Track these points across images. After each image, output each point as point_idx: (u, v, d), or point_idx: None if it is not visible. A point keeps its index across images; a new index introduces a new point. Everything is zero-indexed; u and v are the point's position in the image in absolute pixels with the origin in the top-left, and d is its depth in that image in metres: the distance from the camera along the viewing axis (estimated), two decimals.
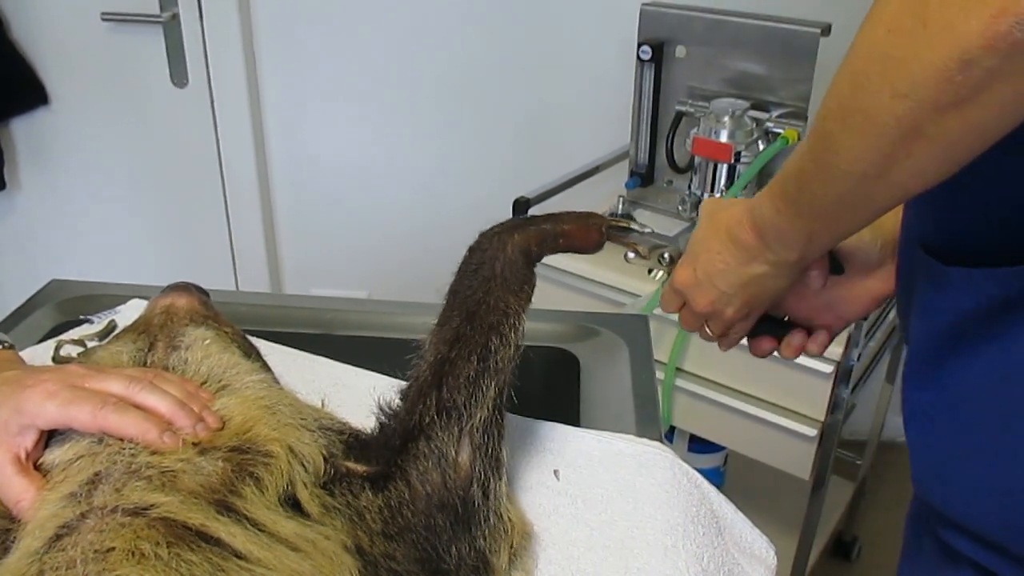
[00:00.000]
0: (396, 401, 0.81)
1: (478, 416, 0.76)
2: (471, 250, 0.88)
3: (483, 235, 0.88)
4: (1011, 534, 0.74)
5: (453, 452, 0.74)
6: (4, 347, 0.88)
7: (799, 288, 0.90)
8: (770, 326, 0.95)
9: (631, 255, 1.01)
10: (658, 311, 1.63)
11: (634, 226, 0.98)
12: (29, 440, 0.70)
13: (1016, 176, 0.68)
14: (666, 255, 0.99)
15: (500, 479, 0.77)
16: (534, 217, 0.92)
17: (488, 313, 0.81)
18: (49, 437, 0.71)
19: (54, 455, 0.70)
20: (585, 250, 0.94)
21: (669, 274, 0.97)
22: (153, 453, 0.67)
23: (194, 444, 0.68)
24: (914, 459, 0.82)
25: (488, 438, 0.76)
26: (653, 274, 1.04)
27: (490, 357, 0.78)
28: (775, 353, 0.99)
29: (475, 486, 0.74)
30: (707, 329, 0.95)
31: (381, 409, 0.81)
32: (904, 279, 0.85)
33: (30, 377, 0.72)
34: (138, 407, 0.70)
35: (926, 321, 0.79)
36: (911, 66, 0.58)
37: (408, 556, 0.71)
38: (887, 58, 0.60)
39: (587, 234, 0.93)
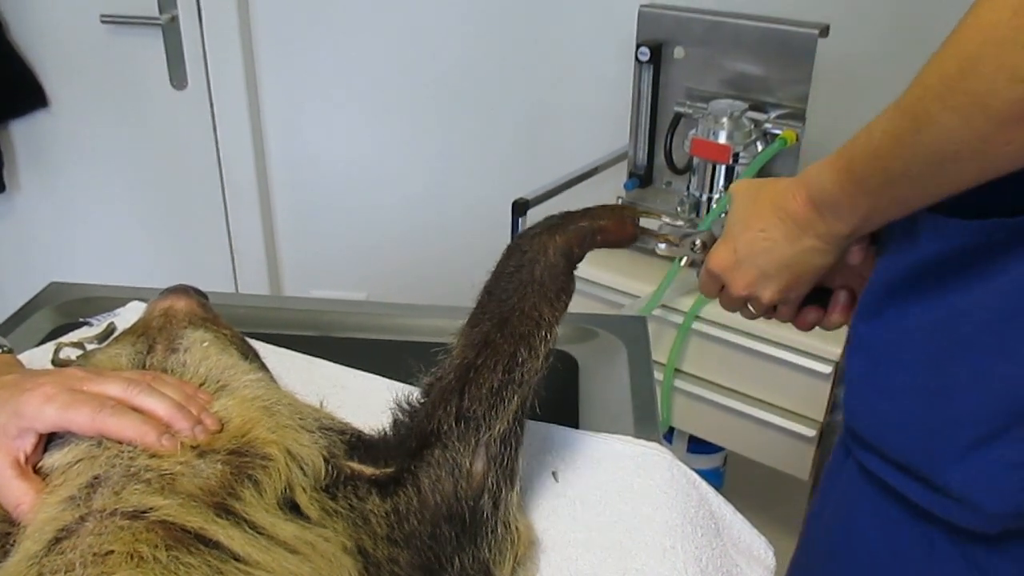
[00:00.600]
0: (417, 398, 0.80)
1: (497, 428, 0.74)
2: (510, 250, 0.86)
3: (523, 235, 0.86)
4: (926, 461, 0.78)
5: (468, 462, 0.73)
6: (3, 351, 0.88)
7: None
8: (812, 295, 0.92)
9: (662, 246, 0.98)
10: (657, 312, 1.64)
11: (665, 217, 0.97)
12: (28, 444, 0.70)
13: None
14: (698, 241, 0.96)
15: (512, 489, 0.76)
16: (570, 214, 0.90)
17: (520, 322, 0.79)
18: (48, 441, 0.71)
19: (53, 458, 0.70)
20: (620, 244, 0.93)
21: (702, 261, 0.95)
22: (152, 456, 0.67)
23: (193, 447, 0.68)
24: (849, 388, 0.85)
25: (505, 448, 0.75)
26: (681, 261, 1.01)
27: (516, 369, 0.76)
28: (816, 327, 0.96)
29: (486, 497, 0.73)
30: (750, 308, 0.93)
31: (399, 406, 0.80)
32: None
33: (29, 381, 0.72)
34: (136, 410, 0.71)
35: (890, 259, 0.80)
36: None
37: (411, 563, 0.71)
38: (1010, 42, 0.59)
39: (622, 228, 0.91)
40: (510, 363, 0.76)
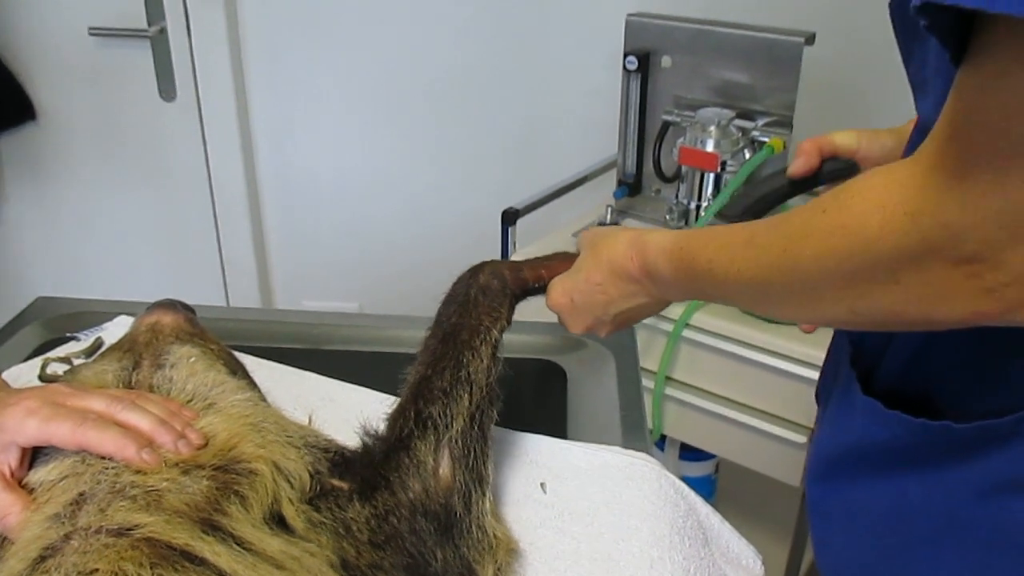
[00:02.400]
0: (381, 426, 0.83)
1: (455, 427, 0.78)
2: (451, 287, 0.92)
3: (458, 277, 0.93)
4: None
5: (432, 461, 0.76)
6: None
7: None
8: None
9: None
10: (648, 320, 1.64)
11: None
12: (12, 457, 0.70)
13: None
14: None
15: (483, 495, 0.78)
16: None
17: (461, 331, 0.84)
18: (33, 457, 0.71)
19: (38, 475, 0.70)
20: None
21: None
22: (137, 472, 0.67)
23: (178, 464, 0.68)
24: (814, 544, 0.85)
25: (468, 451, 0.78)
26: None
27: (462, 369, 0.81)
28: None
29: (456, 497, 0.76)
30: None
31: (366, 431, 0.82)
32: (832, 360, 0.86)
33: (12, 396, 0.73)
34: (119, 425, 0.70)
35: (835, 432, 0.80)
36: (885, 299, 0.59)
37: (396, 564, 0.71)
38: (852, 280, 0.61)
39: (569, 263, 0.94)
40: (455, 365, 0.82)
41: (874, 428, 0.74)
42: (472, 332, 0.84)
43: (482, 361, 0.82)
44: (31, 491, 0.69)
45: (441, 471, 0.76)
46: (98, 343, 1.11)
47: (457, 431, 0.78)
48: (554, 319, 0.96)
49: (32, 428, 0.69)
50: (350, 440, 0.83)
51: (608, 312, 0.88)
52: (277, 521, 0.68)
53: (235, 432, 0.72)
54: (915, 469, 0.72)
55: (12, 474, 0.70)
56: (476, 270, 0.91)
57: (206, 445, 0.71)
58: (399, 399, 0.83)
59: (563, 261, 0.95)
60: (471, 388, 0.81)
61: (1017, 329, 0.59)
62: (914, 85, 0.70)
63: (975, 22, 0.50)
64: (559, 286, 0.92)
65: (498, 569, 0.77)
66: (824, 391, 0.87)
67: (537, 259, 0.96)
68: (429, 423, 0.78)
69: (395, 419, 0.80)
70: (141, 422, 0.71)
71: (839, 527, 0.81)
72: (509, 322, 0.90)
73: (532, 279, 0.93)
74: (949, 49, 0.53)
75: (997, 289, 0.53)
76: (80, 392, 0.73)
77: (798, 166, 0.94)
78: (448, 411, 0.78)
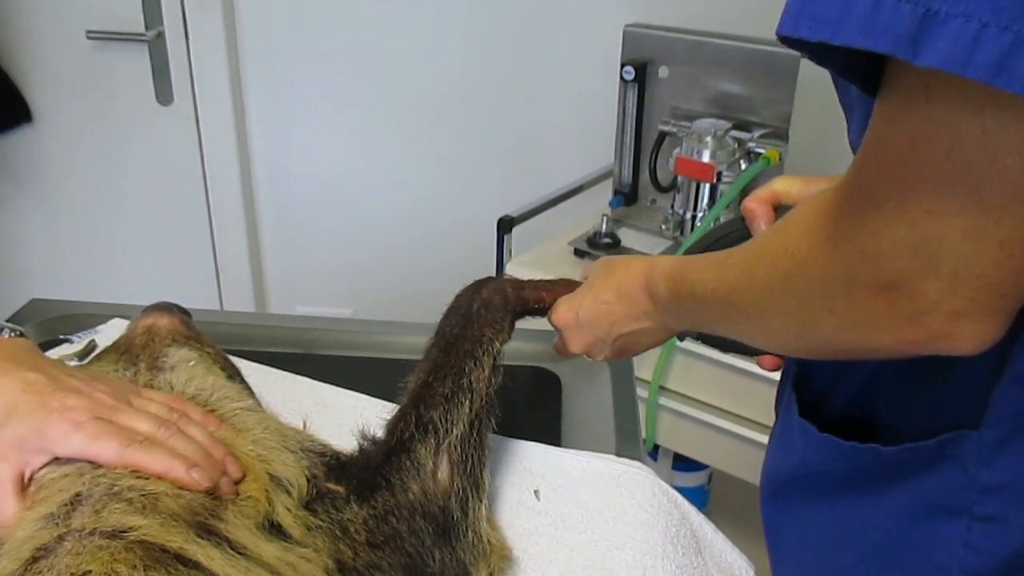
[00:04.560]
0: (379, 432, 0.83)
1: (455, 432, 0.79)
2: (454, 300, 0.93)
3: (461, 290, 0.94)
4: None
5: (431, 464, 0.77)
6: (16, 335, 0.84)
7: None
8: None
9: None
10: None
11: None
12: (40, 462, 0.68)
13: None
14: None
15: (480, 501, 0.79)
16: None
17: (463, 342, 0.86)
18: None
19: (42, 472, 0.69)
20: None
21: None
22: (138, 476, 0.67)
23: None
24: (771, 564, 0.85)
25: (466, 457, 0.79)
26: None
27: (464, 377, 0.83)
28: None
29: (454, 501, 0.77)
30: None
31: (363, 436, 0.82)
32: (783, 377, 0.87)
33: (56, 396, 0.70)
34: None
35: (781, 452, 0.80)
36: (820, 330, 0.61)
37: (394, 563, 0.72)
38: (792, 312, 0.63)
39: (569, 289, 0.95)
40: (457, 373, 0.83)
41: (809, 450, 0.74)
42: (474, 343, 0.86)
43: (483, 371, 0.84)
44: (32, 484, 0.68)
45: (440, 475, 0.77)
46: (92, 345, 1.11)
47: (457, 437, 0.79)
48: (549, 327, 0.96)
49: (77, 444, 0.68)
50: (343, 445, 0.83)
51: (611, 333, 0.88)
52: (273, 527, 0.68)
53: (234, 443, 0.72)
54: (852, 492, 0.73)
55: (31, 475, 0.68)
56: (479, 285, 0.93)
57: (244, 477, 0.71)
58: (399, 405, 0.84)
59: (565, 287, 0.96)
60: (472, 396, 0.82)
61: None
62: (844, 109, 0.71)
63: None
64: (566, 302, 0.93)
65: (491, 574, 0.77)
66: (778, 405, 0.88)
67: (540, 281, 0.97)
68: (430, 427, 0.79)
69: (395, 423, 0.81)
70: (186, 450, 0.70)
71: (789, 548, 0.82)
72: (509, 336, 0.91)
73: (533, 299, 0.95)
74: (855, 82, 0.53)
75: (917, 318, 0.54)
76: (126, 408, 0.72)
77: (760, 227, 0.94)
78: (449, 416, 0.79)
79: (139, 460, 0.68)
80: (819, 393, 0.76)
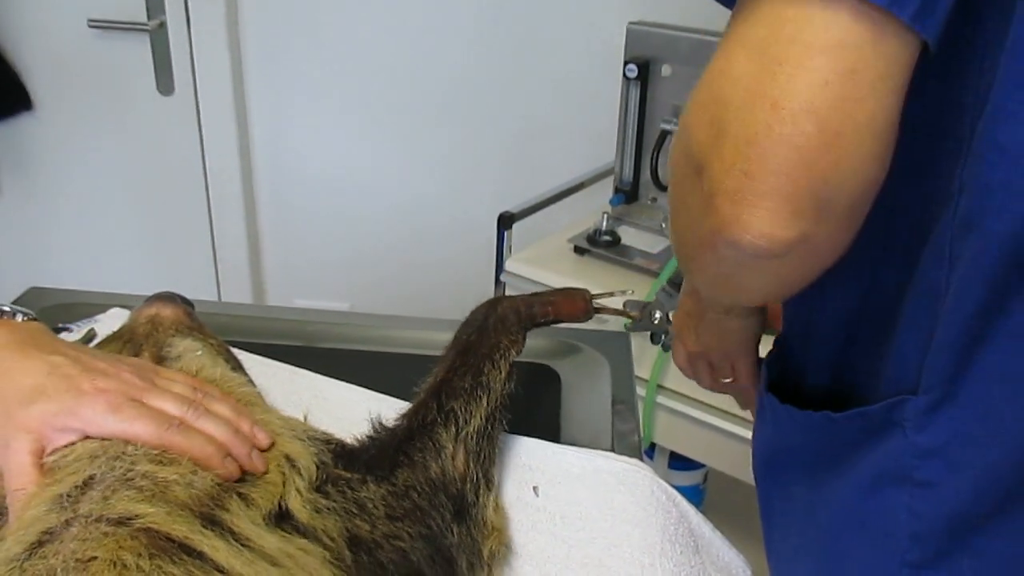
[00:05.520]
0: (392, 419, 0.85)
1: (472, 424, 0.82)
2: (468, 315, 0.96)
3: (475, 308, 0.97)
4: None
5: (451, 448, 0.80)
6: (29, 318, 0.84)
7: None
8: None
9: (627, 323, 1.08)
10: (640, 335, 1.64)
11: (616, 294, 1.04)
12: (63, 440, 0.68)
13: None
14: (657, 313, 1.05)
15: (489, 491, 0.82)
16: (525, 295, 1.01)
17: (481, 345, 0.90)
18: None
19: (60, 452, 0.68)
20: (575, 318, 1.01)
21: (664, 332, 1.06)
22: (153, 462, 0.67)
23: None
24: (763, 534, 0.87)
25: (481, 450, 0.82)
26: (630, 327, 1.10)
27: (482, 375, 0.87)
28: None
29: (468, 486, 0.80)
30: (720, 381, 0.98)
31: (374, 425, 0.84)
32: None
33: (86, 377, 0.70)
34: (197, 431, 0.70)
35: (760, 426, 0.83)
36: (687, 238, 0.62)
37: (414, 533, 0.74)
38: (676, 226, 0.64)
39: (573, 303, 1.00)
40: (476, 372, 0.87)
41: (777, 424, 0.76)
42: (492, 348, 0.90)
43: (500, 373, 0.88)
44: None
45: (457, 460, 0.80)
46: (91, 334, 1.10)
47: (474, 428, 0.82)
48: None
49: (113, 426, 0.68)
50: (343, 437, 0.83)
51: (697, 332, 0.91)
52: (280, 514, 0.68)
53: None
54: (819, 465, 0.74)
55: (53, 451, 0.68)
56: (494, 303, 0.96)
57: (273, 445, 0.73)
58: (415, 399, 0.87)
59: (566, 298, 1.00)
60: (489, 394, 0.86)
61: (883, 321, 0.63)
62: None
63: None
64: (681, 325, 0.94)
65: (490, 557, 0.79)
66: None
67: (544, 295, 1.00)
68: (451, 416, 0.82)
69: (416, 409, 0.85)
70: (217, 431, 0.71)
71: (777, 523, 0.84)
72: (521, 349, 0.94)
73: (541, 315, 0.98)
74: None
75: (710, 200, 0.55)
76: (152, 388, 0.72)
77: None
78: (468, 408, 0.83)
79: (177, 443, 0.68)
80: (796, 372, 0.77)
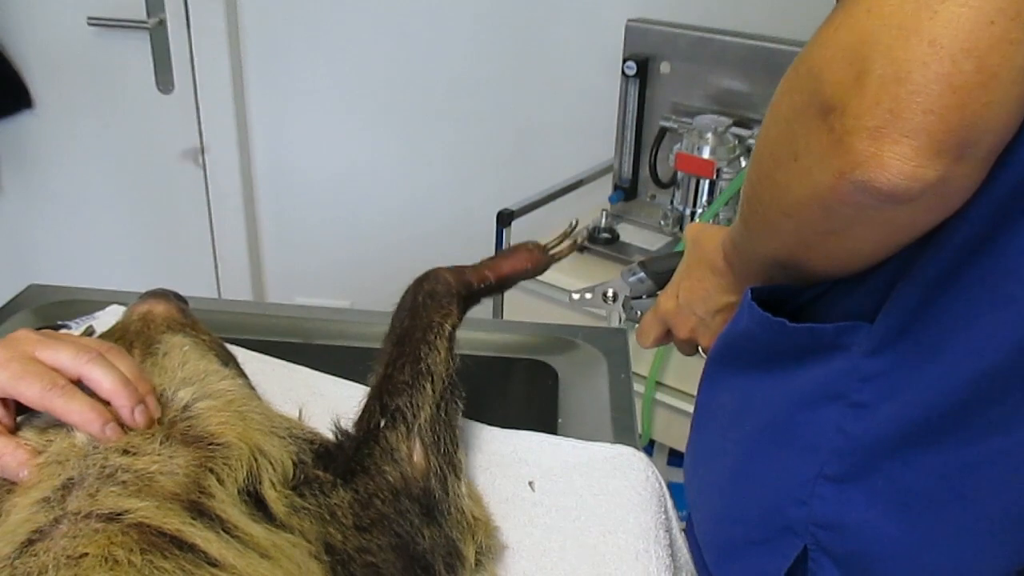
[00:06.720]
0: (350, 427, 0.83)
1: (423, 416, 0.80)
2: (400, 299, 0.94)
3: (407, 288, 0.95)
4: (712, 556, 0.84)
5: (406, 448, 0.78)
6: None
7: None
8: None
9: (575, 296, 1.08)
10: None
11: (569, 229, 1.04)
12: None
13: None
14: (609, 291, 1.05)
15: (458, 479, 0.80)
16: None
17: (415, 331, 0.87)
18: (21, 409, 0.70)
19: (28, 433, 0.69)
20: (525, 274, 0.99)
21: (635, 309, 1.04)
22: (125, 453, 0.66)
23: (152, 435, 0.68)
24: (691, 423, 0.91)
25: (438, 438, 0.80)
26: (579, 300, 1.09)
27: (421, 362, 0.83)
28: None
29: (433, 480, 0.77)
30: (702, 354, 0.96)
31: (336, 431, 0.83)
32: None
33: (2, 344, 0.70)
34: (83, 380, 0.69)
35: (729, 323, 0.83)
36: (792, 192, 0.61)
37: (384, 545, 0.72)
38: (774, 183, 0.63)
39: (516, 259, 0.98)
40: (414, 360, 0.84)
41: (743, 320, 0.77)
42: (425, 329, 0.86)
43: (439, 353, 0.85)
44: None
45: (415, 458, 0.78)
46: (90, 331, 1.10)
47: (425, 419, 0.79)
48: (546, 319, 0.97)
49: (2, 381, 0.68)
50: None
51: (708, 309, 0.88)
52: (258, 505, 0.68)
53: (223, 420, 0.72)
54: (763, 369, 0.77)
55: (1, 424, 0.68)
56: (421, 279, 0.93)
57: (160, 419, 0.70)
58: (363, 400, 0.85)
59: (505, 257, 0.97)
60: (432, 379, 0.82)
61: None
62: None
63: None
64: (667, 291, 0.93)
65: (479, 547, 0.78)
66: None
67: (482, 261, 0.98)
68: (397, 414, 0.79)
69: (362, 416, 0.82)
70: (104, 380, 0.69)
71: (703, 413, 0.87)
72: (460, 319, 0.91)
73: (476, 280, 0.95)
74: None
75: (845, 139, 0.54)
76: (49, 342, 0.71)
77: None
78: (413, 401, 0.80)
79: (58, 407, 0.67)
80: (787, 292, 0.78)
